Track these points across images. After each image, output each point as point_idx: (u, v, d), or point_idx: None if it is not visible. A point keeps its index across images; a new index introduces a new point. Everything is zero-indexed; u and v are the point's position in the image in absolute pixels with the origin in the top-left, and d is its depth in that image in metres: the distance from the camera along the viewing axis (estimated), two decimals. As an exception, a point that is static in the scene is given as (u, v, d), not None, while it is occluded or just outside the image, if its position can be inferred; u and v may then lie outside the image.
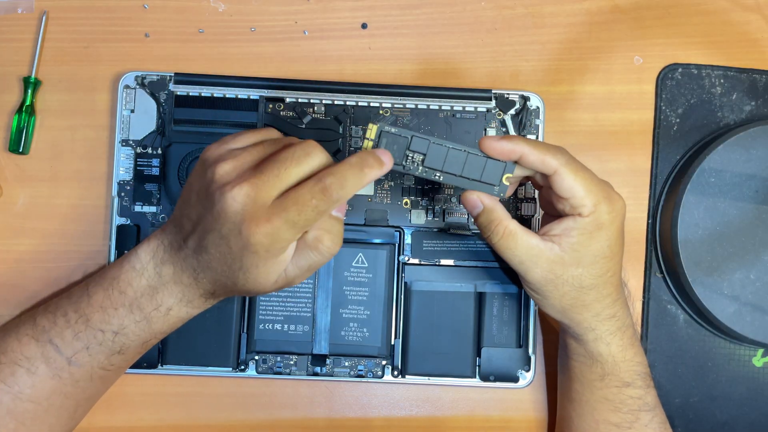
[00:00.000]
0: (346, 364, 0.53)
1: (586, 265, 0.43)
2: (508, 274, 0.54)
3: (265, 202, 0.38)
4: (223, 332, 0.52)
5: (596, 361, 0.47)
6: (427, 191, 0.54)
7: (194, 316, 0.45)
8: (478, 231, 0.53)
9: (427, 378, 0.53)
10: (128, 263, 0.43)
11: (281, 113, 0.54)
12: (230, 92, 0.53)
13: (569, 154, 0.42)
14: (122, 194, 0.53)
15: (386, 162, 0.40)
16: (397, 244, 0.54)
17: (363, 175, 0.39)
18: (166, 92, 0.54)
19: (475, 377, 0.53)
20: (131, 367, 0.52)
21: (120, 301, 0.43)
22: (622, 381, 0.47)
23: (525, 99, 0.54)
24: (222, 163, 0.39)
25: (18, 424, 0.44)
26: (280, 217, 0.38)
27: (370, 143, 0.42)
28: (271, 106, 0.54)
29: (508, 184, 0.43)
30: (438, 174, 0.43)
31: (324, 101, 0.54)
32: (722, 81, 0.56)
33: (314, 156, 0.40)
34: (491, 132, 0.54)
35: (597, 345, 0.46)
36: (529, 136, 0.54)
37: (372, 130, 0.42)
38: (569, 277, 0.43)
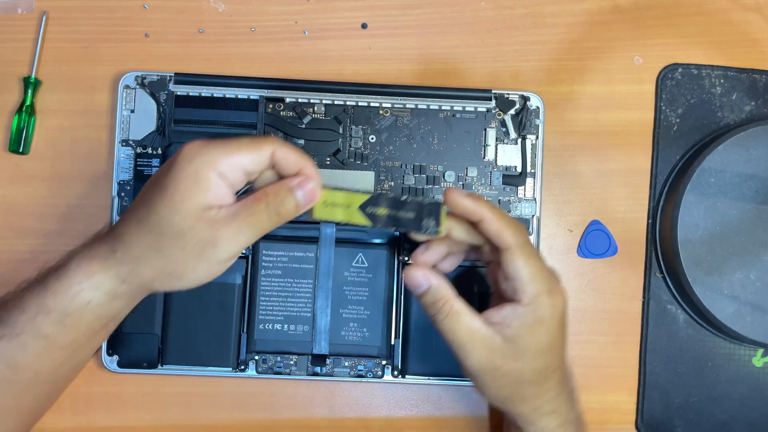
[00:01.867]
0: (346, 364, 0.53)
1: (527, 360, 0.41)
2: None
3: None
4: (223, 332, 0.52)
5: None
6: (427, 191, 0.54)
7: (84, 295, 0.40)
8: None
9: (427, 378, 0.53)
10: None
11: (281, 113, 0.54)
12: (230, 92, 0.53)
13: (527, 236, 0.42)
14: (122, 194, 0.53)
15: (315, 182, 0.40)
16: (397, 244, 0.54)
17: (303, 155, 0.40)
18: (166, 92, 0.54)
19: (475, 377, 0.53)
20: (131, 367, 0.52)
21: (39, 274, 0.41)
22: None
23: (525, 99, 0.54)
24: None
25: None
26: (215, 140, 0.38)
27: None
28: (271, 106, 0.54)
29: (443, 224, 0.42)
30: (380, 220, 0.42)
31: (324, 101, 0.54)
32: (722, 81, 0.56)
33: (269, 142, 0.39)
34: (491, 133, 0.54)
35: None
36: (529, 137, 0.54)
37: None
38: (508, 370, 0.41)
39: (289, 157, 0.39)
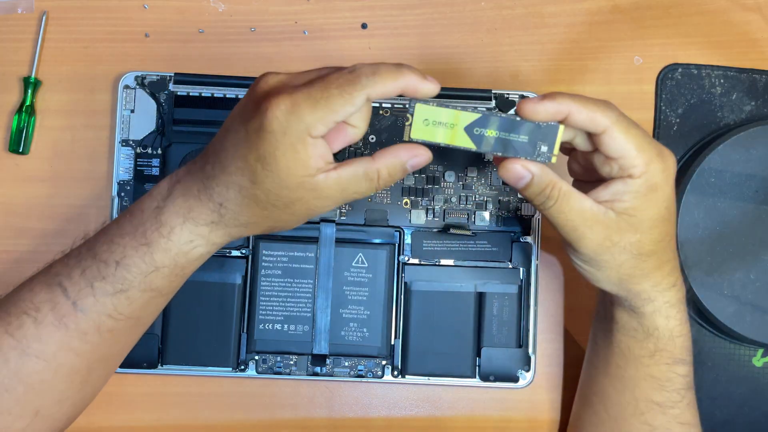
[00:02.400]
0: (346, 364, 0.53)
1: (645, 231, 0.39)
2: (509, 274, 0.53)
3: (297, 84, 0.36)
4: (223, 332, 0.52)
5: (650, 336, 0.43)
6: (428, 191, 0.54)
7: (198, 251, 0.40)
8: (478, 231, 0.54)
9: (427, 378, 0.53)
10: (148, 193, 0.41)
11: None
12: (230, 92, 0.53)
13: (618, 110, 0.38)
14: (122, 194, 0.53)
15: (430, 80, 0.37)
16: (397, 244, 0.54)
17: (398, 73, 0.36)
18: (166, 92, 0.54)
19: (475, 377, 0.53)
20: (131, 367, 0.52)
21: (127, 229, 0.40)
22: (675, 358, 0.43)
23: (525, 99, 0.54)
24: (273, 75, 0.38)
25: (27, 388, 0.41)
26: (302, 92, 0.35)
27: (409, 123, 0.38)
28: (271, 106, 0.54)
29: (558, 149, 0.38)
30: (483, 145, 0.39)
31: (324, 101, 0.54)
32: (722, 81, 0.56)
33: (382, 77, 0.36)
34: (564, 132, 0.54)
35: (655, 318, 0.42)
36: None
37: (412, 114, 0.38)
38: (627, 244, 0.39)
39: (386, 90, 0.36)
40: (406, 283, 0.53)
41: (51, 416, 0.42)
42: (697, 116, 0.56)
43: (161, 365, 0.53)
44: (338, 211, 0.54)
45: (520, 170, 0.39)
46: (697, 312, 0.54)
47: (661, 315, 0.43)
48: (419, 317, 0.53)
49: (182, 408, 0.54)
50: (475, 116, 0.38)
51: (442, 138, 0.38)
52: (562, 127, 0.38)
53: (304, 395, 0.55)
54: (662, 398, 0.44)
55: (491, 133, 0.38)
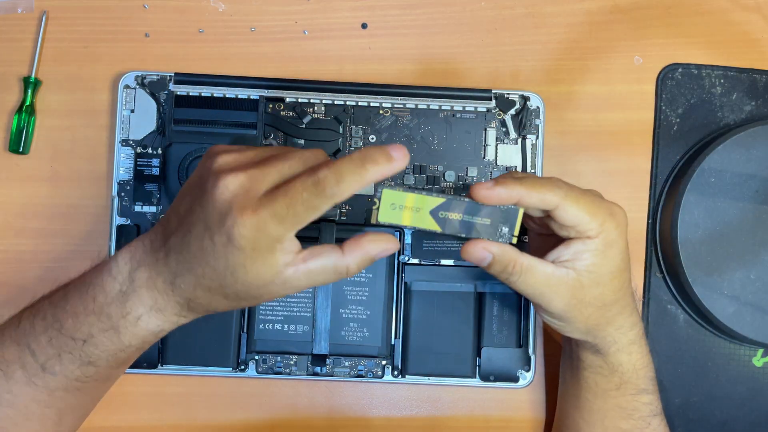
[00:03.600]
0: (346, 364, 0.53)
1: (606, 283, 0.42)
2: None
3: (258, 194, 0.36)
4: (223, 332, 0.52)
5: (615, 371, 0.46)
6: (427, 191, 0.54)
7: (165, 333, 0.42)
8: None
9: (427, 378, 0.53)
10: (106, 267, 0.41)
11: (281, 113, 0.54)
12: (230, 92, 0.53)
13: (566, 185, 0.41)
14: (122, 194, 0.53)
15: (396, 158, 0.36)
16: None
17: (363, 171, 0.35)
18: (166, 92, 0.54)
19: (475, 377, 0.53)
20: (131, 367, 0.52)
21: (91, 308, 0.40)
22: (638, 388, 0.46)
23: (525, 99, 0.54)
24: (225, 154, 0.38)
25: None
26: (267, 209, 0.35)
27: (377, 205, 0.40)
28: (271, 106, 0.54)
29: (518, 230, 0.40)
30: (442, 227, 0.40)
31: (324, 101, 0.54)
32: (722, 81, 0.56)
33: (320, 157, 0.38)
34: (491, 133, 0.54)
35: (619, 356, 0.45)
36: (529, 137, 0.54)
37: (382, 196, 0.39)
38: (591, 299, 0.42)
39: (353, 191, 0.36)
40: (406, 283, 0.53)
41: None
42: (697, 116, 0.56)
43: (161, 365, 0.53)
44: (338, 211, 0.54)
45: (480, 252, 0.41)
46: (697, 312, 0.54)
47: (623, 352, 0.45)
48: (419, 317, 0.53)
49: (182, 408, 0.54)
50: (440, 200, 0.39)
51: (408, 221, 0.39)
52: (521, 210, 0.40)
53: (304, 395, 0.55)
54: (629, 426, 0.47)
55: (455, 216, 0.40)
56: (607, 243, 0.41)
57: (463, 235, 0.40)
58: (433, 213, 0.40)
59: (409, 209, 0.40)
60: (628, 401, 0.47)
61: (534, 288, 0.41)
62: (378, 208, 0.39)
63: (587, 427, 0.48)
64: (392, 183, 0.39)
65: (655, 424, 0.47)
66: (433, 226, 0.40)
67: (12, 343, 0.42)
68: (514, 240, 0.40)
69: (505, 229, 0.40)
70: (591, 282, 0.41)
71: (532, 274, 0.41)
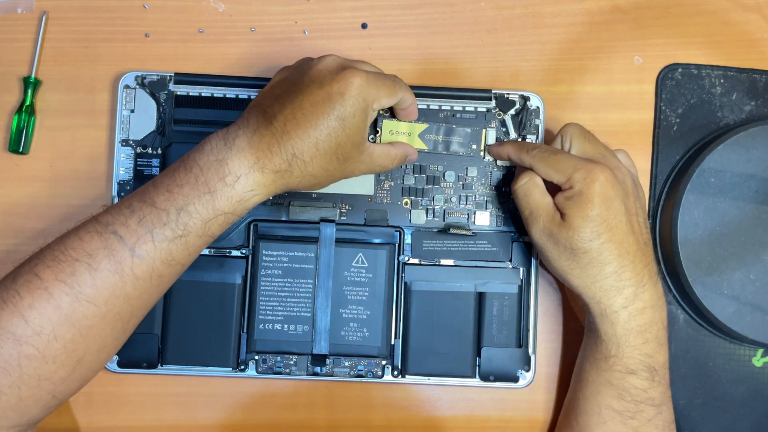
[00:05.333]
0: (346, 364, 0.53)
1: (575, 228, 0.46)
2: (509, 274, 0.54)
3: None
4: (223, 332, 0.52)
5: (602, 339, 0.47)
6: (428, 191, 0.54)
7: (256, 201, 0.45)
8: (478, 231, 0.54)
9: (427, 378, 0.53)
10: (194, 150, 0.44)
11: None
12: (230, 92, 0.53)
13: (540, 149, 0.49)
14: (122, 194, 0.53)
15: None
16: (397, 244, 0.54)
17: (413, 98, 0.50)
18: (166, 92, 0.54)
19: (475, 377, 0.53)
20: (131, 367, 0.52)
21: (185, 179, 0.43)
22: (626, 368, 0.47)
23: (525, 99, 0.54)
24: (335, 56, 0.47)
25: (74, 335, 0.42)
26: (371, 74, 0.46)
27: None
28: (271, 106, 0.54)
29: (483, 146, 0.54)
30: None
31: (324, 101, 0.54)
32: (722, 81, 0.56)
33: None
34: (491, 132, 0.54)
35: (602, 322, 0.47)
36: (529, 137, 0.54)
37: None
38: (561, 238, 0.46)
39: (407, 99, 0.49)
40: (406, 283, 0.53)
41: (90, 364, 0.44)
42: (697, 116, 0.56)
43: (161, 365, 0.53)
44: (338, 210, 0.54)
45: (501, 146, 0.52)
46: (697, 312, 0.54)
47: (606, 320, 0.47)
48: (419, 317, 0.53)
49: (182, 408, 0.54)
50: (425, 126, 0.53)
51: (404, 140, 0.53)
52: (484, 131, 0.54)
53: (304, 395, 0.55)
54: (621, 407, 0.48)
55: (437, 137, 0.53)
56: (576, 192, 0.46)
57: (444, 152, 0.54)
58: (421, 136, 0.53)
59: (404, 134, 0.53)
60: (617, 379, 0.47)
61: (528, 203, 0.48)
62: (380, 135, 0.52)
63: (584, 401, 0.49)
64: (387, 115, 0.52)
65: (649, 414, 0.47)
66: (421, 145, 0.53)
67: (94, 235, 0.43)
68: (481, 154, 0.54)
69: (474, 146, 0.54)
70: (564, 224, 0.47)
71: (534, 189, 0.48)
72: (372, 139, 0.52)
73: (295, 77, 0.46)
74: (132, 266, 0.43)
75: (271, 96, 0.46)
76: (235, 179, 0.43)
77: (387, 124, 0.52)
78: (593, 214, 0.45)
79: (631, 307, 0.46)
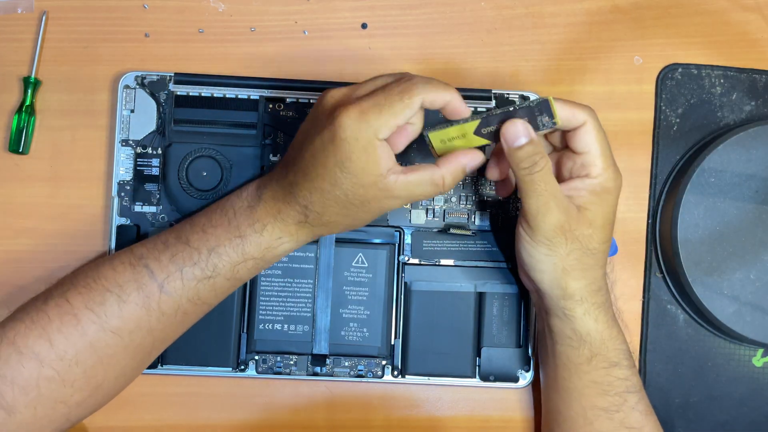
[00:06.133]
0: (346, 364, 0.53)
1: (597, 228, 0.44)
2: (509, 274, 0.54)
3: (358, 96, 0.42)
4: (223, 332, 0.52)
5: (583, 341, 0.46)
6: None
7: (285, 249, 0.45)
8: (478, 231, 0.54)
9: (427, 378, 0.53)
10: (233, 194, 0.46)
11: (281, 113, 0.54)
12: (230, 92, 0.53)
13: (595, 114, 0.44)
14: (122, 194, 0.53)
15: (452, 92, 0.43)
16: (397, 244, 0.54)
17: (448, 87, 0.42)
18: (166, 92, 0.54)
19: (475, 377, 0.53)
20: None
21: (219, 221, 0.45)
22: (609, 361, 0.46)
23: (525, 99, 0.54)
24: (336, 90, 0.43)
25: (96, 363, 0.43)
26: (368, 101, 0.41)
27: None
28: (271, 106, 0.54)
29: (557, 115, 0.43)
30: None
31: (324, 101, 0.54)
32: (722, 81, 0.56)
33: (404, 73, 0.43)
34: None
35: (585, 321, 0.46)
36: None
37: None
38: (580, 235, 0.44)
39: (436, 99, 0.42)
40: (406, 283, 0.53)
41: (108, 389, 0.45)
42: (697, 116, 0.56)
43: (161, 365, 0.53)
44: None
45: (522, 129, 0.43)
46: (697, 312, 0.54)
47: (590, 317, 0.46)
48: (419, 317, 0.53)
49: (182, 408, 0.54)
50: (477, 122, 0.44)
51: (461, 144, 0.45)
52: (551, 98, 0.43)
53: (304, 395, 0.55)
54: (606, 403, 0.47)
55: (496, 128, 0.44)
56: (604, 188, 0.44)
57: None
58: (477, 132, 0.44)
59: (457, 138, 0.45)
60: (601, 375, 0.47)
61: (544, 191, 0.43)
62: (433, 148, 0.45)
63: (566, 408, 0.48)
64: (427, 127, 0.45)
65: (632, 401, 0.47)
66: (482, 141, 0.45)
67: (127, 267, 0.44)
68: (559, 121, 0.43)
69: (546, 118, 0.43)
70: (585, 219, 0.44)
71: (550, 176, 0.43)
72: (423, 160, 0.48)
73: (306, 121, 0.45)
74: (159, 302, 0.44)
75: (293, 144, 0.45)
76: (263, 227, 0.44)
77: (434, 136, 0.45)
78: (611, 217, 0.44)
79: (606, 303, 0.47)
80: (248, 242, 0.44)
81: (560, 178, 0.46)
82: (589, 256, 0.44)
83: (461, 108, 0.43)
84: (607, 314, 0.46)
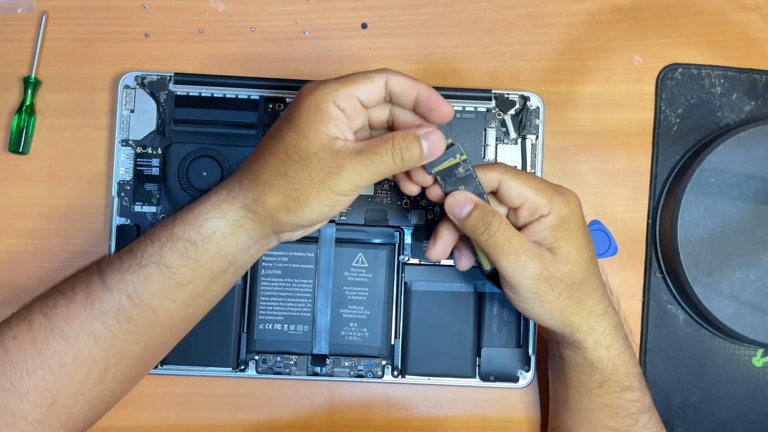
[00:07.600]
0: (346, 364, 0.53)
1: (574, 260, 0.43)
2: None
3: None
4: (223, 332, 0.52)
5: (595, 368, 0.46)
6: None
7: (213, 225, 0.42)
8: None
9: (427, 378, 0.53)
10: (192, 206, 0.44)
11: (281, 113, 0.54)
12: (230, 92, 0.53)
13: (507, 165, 0.44)
14: (122, 194, 0.53)
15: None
16: (397, 244, 0.54)
17: (416, 81, 0.42)
18: (166, 92, 0.54)
19: (475, 377, 0.53)
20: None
21: (173, 216, 0.43)
22: (621, 385, 0.46)
23: (525, 99, 0.54)
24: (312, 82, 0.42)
25: (46, 372, 0.42)
26: (333, 78, 0.41)
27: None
28: (271, 106, 0.54)
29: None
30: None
31: (324, 101, 0.54)
32: (722, 81, 0.56)
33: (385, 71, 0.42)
34: (491, 133, 0.54)
35: (597, 350, 0.45)
36: (529, 137, 0.54)
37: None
38: (562, 275, 0.43)
39: (404, 83, 0.41)
40: (406, 283, 0.53)
41: (67, 409, 0.43)
42: (697, 116, 0.56)
43: (161, 365, 0.53)
44: (338, 211, 0.54)
45: (463, 200, 0.43)
46: (697, 312, 0.54)
47: (601, 346, 0.45)
48: (419, 317, 0.53)
49: (182, 408, 0.54)
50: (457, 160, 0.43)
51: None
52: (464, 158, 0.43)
53: (304, 395, 0.55)
54: (617, 424, 0.47)
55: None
56: (561, 218, 0.43)
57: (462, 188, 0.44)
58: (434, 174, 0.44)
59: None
60: (612, 399, 0.46)
61: (511, 247, 0.42)
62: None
63: (576, 426, 0.48)
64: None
65: (643, 421, 0.47)
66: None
67: (85, 270, 0.45)
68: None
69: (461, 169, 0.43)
70: (560, 258, 0.43)
71: (511, 231, 0.42)
72: None
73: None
74: (101, 298, 0.42)
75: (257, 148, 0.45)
76: (194, 206, 0.43)
77: (439, 169, 0.43)
78: (584, 239, 0.44)
79: (617, 326, 0.46)
80: (177, 221, 0.42)
81: (520, 226, 0.44)
82: (578, 289, 0.44)
83: (437, 102, 0.41)
84: (618, 339, 0.46)
